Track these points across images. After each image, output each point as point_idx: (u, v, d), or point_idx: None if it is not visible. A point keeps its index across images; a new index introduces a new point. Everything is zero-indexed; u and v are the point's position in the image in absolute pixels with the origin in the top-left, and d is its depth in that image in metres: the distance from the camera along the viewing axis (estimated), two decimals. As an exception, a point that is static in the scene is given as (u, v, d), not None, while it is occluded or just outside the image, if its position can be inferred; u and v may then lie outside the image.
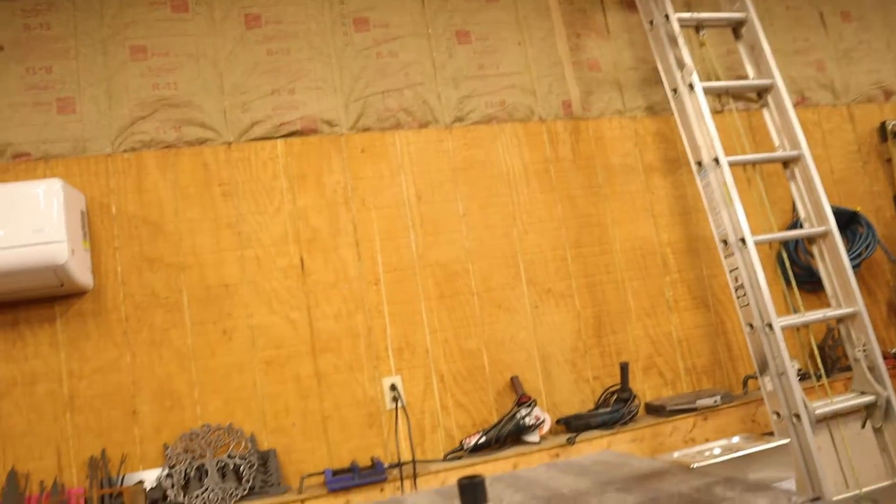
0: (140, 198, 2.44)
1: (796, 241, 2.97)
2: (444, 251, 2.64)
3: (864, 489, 2.43)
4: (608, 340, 2.72)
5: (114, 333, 2.36)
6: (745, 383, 2.79)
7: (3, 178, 2.34)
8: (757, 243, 2.42)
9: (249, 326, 2.44)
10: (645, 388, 2.73)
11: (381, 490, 2.27)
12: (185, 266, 2.43)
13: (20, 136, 2.39)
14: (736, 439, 1.26)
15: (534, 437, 2.44)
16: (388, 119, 2.69)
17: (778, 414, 2.39)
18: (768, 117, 2.70)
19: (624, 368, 2.56)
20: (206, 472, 2.30)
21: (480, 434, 2.42)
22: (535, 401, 2.46)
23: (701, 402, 2.61)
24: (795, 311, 2.77)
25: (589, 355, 2.70)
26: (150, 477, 2.30)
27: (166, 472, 2.29)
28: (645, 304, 2.78)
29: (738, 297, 2.45)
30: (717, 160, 2.46)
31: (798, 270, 2.98)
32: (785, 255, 2.84)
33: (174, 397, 2.36)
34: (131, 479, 2.29)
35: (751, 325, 2.41)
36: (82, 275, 2.24)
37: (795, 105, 3.15)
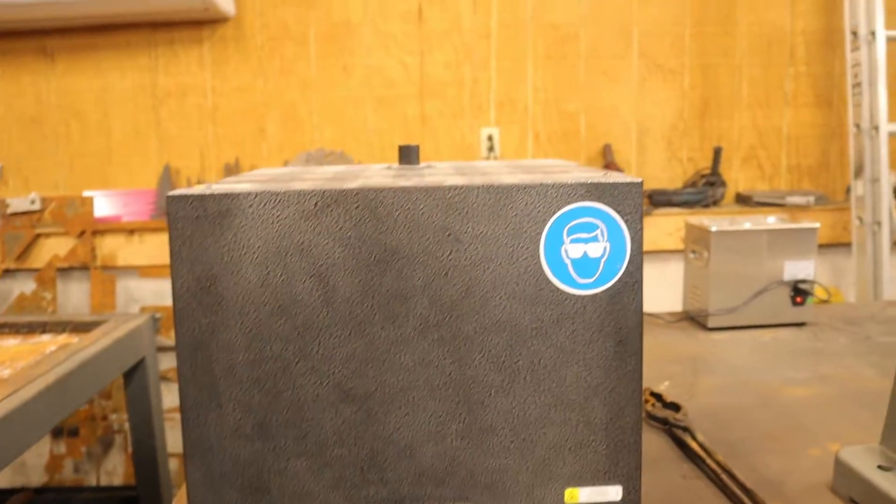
0: (277, -72, 2.56)
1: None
2: (559, 13, 2.64)
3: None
4: (711, 125, 2.72)
5: (250, 59, 2.62)
6: (848, 190, 2.75)
7: None
8: (890, 39, 2.27)
9: (366, 66, 2.63)
10: (739, 178, 2.77)
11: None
12: (313, 3, 2.59)
13: None
14: (772, 220, 1.34)
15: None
16: None
17: (860, 219, 2.40)
18: None
19: (717, 152, 2.59)
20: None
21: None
22: (622, 171, 2.57)
23: (791, 200, 2.62)
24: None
25: (688, 136, 2.72)
26: (273, 187, 2.67)
27: (287, 184, 2.65)
28: (759, 94, 2.72)
29: (852, 96, 2.37)
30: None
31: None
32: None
33: (296, 121, 2.65)
34: (259, 186, 2.67)
35: (857, 126, 2.35)
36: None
37: None
